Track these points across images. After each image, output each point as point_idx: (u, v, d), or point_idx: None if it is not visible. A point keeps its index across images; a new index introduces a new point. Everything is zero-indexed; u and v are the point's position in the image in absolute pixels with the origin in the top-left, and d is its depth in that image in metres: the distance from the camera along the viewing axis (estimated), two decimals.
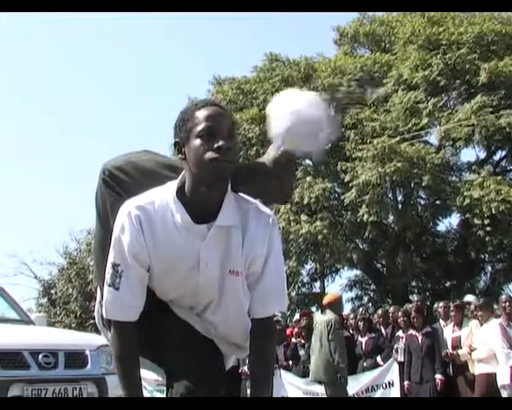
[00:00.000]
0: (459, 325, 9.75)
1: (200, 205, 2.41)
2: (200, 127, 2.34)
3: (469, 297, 11.47)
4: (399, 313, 10.52)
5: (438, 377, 9.35)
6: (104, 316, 2.50)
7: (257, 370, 2.61)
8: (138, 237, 2.38)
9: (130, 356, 2.46)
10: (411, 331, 9.91)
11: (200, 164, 2.34)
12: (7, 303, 8.73)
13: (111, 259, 2.43)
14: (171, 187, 2.45)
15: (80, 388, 6.50)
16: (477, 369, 8.73)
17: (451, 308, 9.98)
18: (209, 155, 2.32)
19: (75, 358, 6.73)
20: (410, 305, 11.44)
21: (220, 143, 2.32)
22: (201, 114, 2.36)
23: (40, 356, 6.44)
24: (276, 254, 2.55)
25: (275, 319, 2.78)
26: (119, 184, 2.54)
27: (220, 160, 2.31)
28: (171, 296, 2.56)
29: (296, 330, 11.98)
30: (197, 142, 2.34)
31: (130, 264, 2.40)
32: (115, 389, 6.33)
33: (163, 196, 2.43)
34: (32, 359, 6.41)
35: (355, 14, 26.22)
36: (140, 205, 2.41)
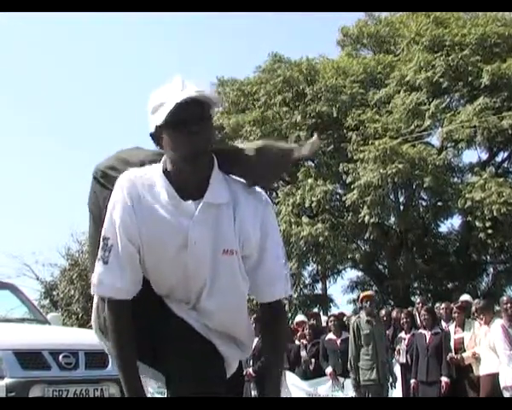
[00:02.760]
0: (461, 326, 9.74)
1: (186, 182, 2.40)
2: (167, 117, 2.30)
3: (465, 297, 11.49)
4: (402, 315, 10.52)
5: (444, 379, 9.34)
6: (92, 292, 2.46)
7: (270, 355, 2.61)
8: (130, 212, 2.37)
9: (124, 335, 2.41)
10: (420, 330, 9.90)
11: (175, 149, 2.35)
12: (20, 302, 8.65)
13: (103, 233, 2.41)
14: (157, 167, 2.46)
15: (102, 388, 6.40)
16: (481, 370, 8.72)
17: (454, 309, 9.97)
18: (182, 139, 2.31)
19: (96, 358, 6.55)
20: (413, 307, 11.44)
21: (192, 127, 2.31)
22: (168, 105, 2.30)
23: (60, 356, 6.34)
24: (273, 234, 2.52)
25: None
26: (111, 181, 2.50)
27: (192, 145, 2.31)
28: (164, 288, 2.47)
29: (300, 331, 11.96)
30: (168, 131, 2.34)
31: (120, 238, 2.37)
32: None
33: (150, 174, 2.44)
34: (52, 359, 6.31)
35: (360, 15, 26.25)
36: (133, 181, 2.41)
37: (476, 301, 10.14)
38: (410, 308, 11.55)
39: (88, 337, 7.62)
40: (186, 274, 2.42)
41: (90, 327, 2.75)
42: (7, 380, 6.03)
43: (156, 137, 2.41)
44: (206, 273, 2.42)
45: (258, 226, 2.47)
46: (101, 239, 2.41)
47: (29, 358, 6.25)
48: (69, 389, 6.16)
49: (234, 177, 2.52)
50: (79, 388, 6.24)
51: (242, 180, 2.53)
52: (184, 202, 2.38)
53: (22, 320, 8.00)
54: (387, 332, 10.75)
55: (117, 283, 2.38)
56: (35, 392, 5.98)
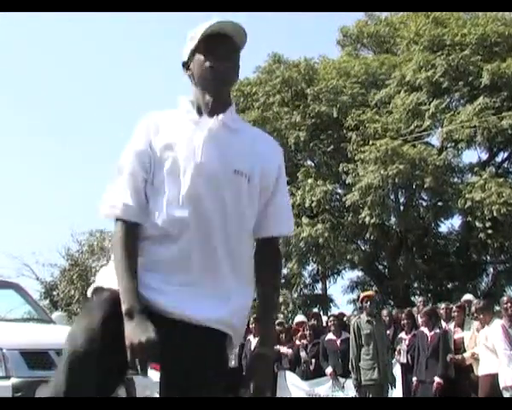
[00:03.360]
0: (461, 325, 9.74)
1: (206, 106, 2.55)
2: (201, 42, 2.52)
3: (468, 296, 11.49)
4: (403, 315, 10.52)
5: (437, 380, 9.34)
6: (102, 214, 2.49)
7: (268, 289, 2.60)
8: (146, 135, 2.51)
9: (132, 249, 2.39)
10: (422, 329, 9.90)
11: (202, 73, 2.53)
12: (25, 301, 8.58)
13: (118, 163, 2.52)
14: (181, 100, 2.65)
15: None
16: (480, 370, 8.72)
17: (453, 309, 9.96)
18: (209, 64, 2.51)
19: None
20: (413, 307, 11.45)
21: (220, 53, 2.51)
22: (204, 30, 2.51)
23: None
24: (284, 176, 2.66)
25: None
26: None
27: (220, 68, 2.51)
28: (175, 215, 2.40)
29: (300, 332, 11.95)
30: (199, 55, 2.55)
31: (132, 162, 2.47)
32: (144, 389, 6.23)
33: (173, 111, 2.62)
34: (58, 359, 6.18)
35: (359, 15, 26.27)
36: (154, 113, 2.60)
37: (476, 301, 10.14)
38: (410, 308, 11.53)
39: None
40: (198, 194, 2.41)
41: None
42: (13, 380, 5.99)
43: (187, 64, 2.61)
44: (216, 191, 2.43)
45: (277, 165, 2.62)
46: (117, 167, 2.51)
47: (35, 358, 6.20)
48: None
49: None
50: None
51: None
52: (202, 118, 2.53)
53: (27, 320, 7.97)
54: (388, 332, 10.75)
55: (128, 202, 2.43)
56: (41, 392, 5.93)
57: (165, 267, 2.40)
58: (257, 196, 2.53)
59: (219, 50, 2.51)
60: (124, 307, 2.28)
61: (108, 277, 2.46)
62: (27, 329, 7.26)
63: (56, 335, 7.02)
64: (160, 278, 2.38)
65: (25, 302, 8.58)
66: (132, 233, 2.42)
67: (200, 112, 2.55)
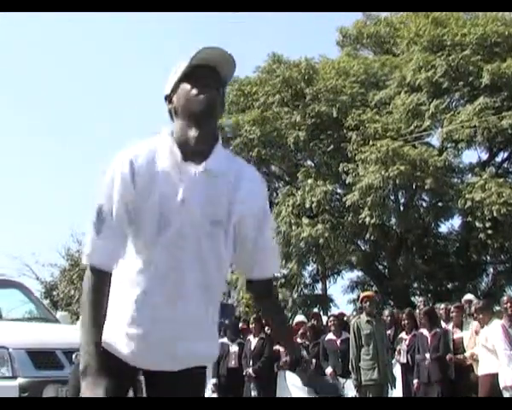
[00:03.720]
0: (459, 326, 9.75)
1: (189, 147, 2.45)
2: (187, 71, 2.43)
3: (469, 296, 11.48)
4: (404, 315, 10.52)
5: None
6: (83, 262, 2.48)
7: (278, 314, 2.90)
8: (127, 179, 2.41)
9: (102, 304, 2.41)
10: (422, 331, 9.89)
11: (187, 102, 2.44)
12: (29, 300, 8.50)
13: (97, 201, 2.44)
14: (163, 132, 2.53)
15: None
16: (480, 370, 8.71)
17: (452, 309, 9.96)
18: (195, 91, 2.42)
19: None
20: (413, 307, 11.44)
21: (205, 82, 2.42)
22: (190, 59, 2.43)
23: (74, 356, 6.21)
24: (269, 216, 2.66)
25: None
26: None
27: (206, 95, 2.42)
28: (151, 252, 2.45)
29: (301, 330, 11.94)
30: (184, 84, 2.45)
31: (115, 207, 2.41)
32: None
33: (153, 141, 2.51)
34: (65, 359, 6.20)
35: (359, 15, 26.26)
36: (133, 151, 2.45)
37: (475, 301, 10.14)
38: (410, 309, 11.52)
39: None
40: (176, 237, 2.43)
41: None
42: (20, 380, 5.93)
43: (170, 97, 2.52)
44: (194, 239, 2.45)
45: (262, 205, 2.61)
46: (96, 208, 2.44)
47: (42, 357, 6.14)
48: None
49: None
50: None
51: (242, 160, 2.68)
52: (185, 164, 2.43)
53: (32, 319, 7.93)
54: (389, 332, 10.75)
55: (108, 252, 2.42)
56: (48, 392, 5.88)
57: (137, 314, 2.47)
58: (231, 243, 2.55)
59: (206, 80, 2.43)
60: (80, 365, 2.35)
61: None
62: (33, 328, 7.18)
63: (63, 334, 6.97)
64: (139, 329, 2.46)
65: (29, 301, 8.52)
66: (104, 282, 2.42)
67: (183, 150, 2.45)
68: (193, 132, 2.43)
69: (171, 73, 2.51)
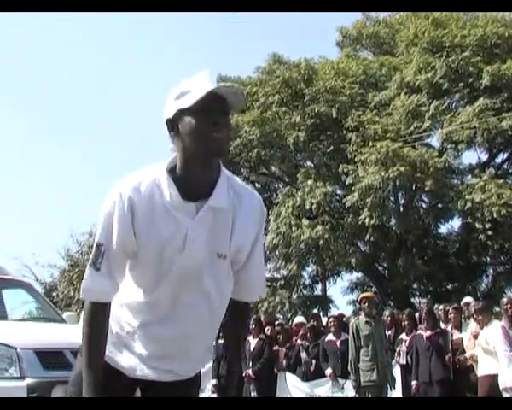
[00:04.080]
0: (458, 327, 9.75)
1: (192, 184, 2.38)
2: (196, 103, 2.26)
3: (468, 299, 11.47)
4: (404, 316, 10.51)
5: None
6: (81, 297, 2.49)
7: (234, 351, 2.81)
8: (127, 220, 2.36)
9: (100, 337, 2.46)
10: (420, 331, 9.89)
11: (195, 138, 2.30)
12: (36, 300, 8.42)
13: (96, 238, 2.44)
14: (162, 166, 2.42)
15: None
16: (479, 371, 8.71)
17: (450, 311, 9.96)
18: (205, 129, 2.28)
19: None
20: (413, 308, 11.44)
21: (217, 119, 2.29)
22: (198, 90, 2.27)
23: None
24: (261, 240, 2.62)
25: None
26: None
27: (217, 135, 2.29)
28: (153, 290, 2.48)
29: (301, 332, 11.93)
30: (192, 117, 2.29)
31: (114, 245, 2.39)
32: None
33: (153, 175, 2.40)
34: (73, 359, 5.87)
35: (358, 16, 26.26)
36: (132, 186, 2.38)
37: (473, 302, 10.15)
38: (411, 309, 11.52)
39: None
40: (180, 276, 2.44)
41: None
42: (28, 380, 5.86)
43: (173, 124, 2.37)
44: (199, 274, 2.45)
45: (255, 234, 2.55)
46: (95, 244, 2.43)
47: (50, 357, 6.07)
48: None
49: (235, 177, 2.56)
50: None
51: (243, 184, 2.59)
52: (186, 204, 2.36)
53: (39, 319, 7.83)
54: (389, 333, 10.75)
55: (106, 289, 2.44)
56: (57, 393, 5.78)
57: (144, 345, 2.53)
58: (230, 269, 2.55)
59: (216, 116, 2.29)
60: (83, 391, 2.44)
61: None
62: (41, 328, 7.10)
63: (71, 334, 6.78)
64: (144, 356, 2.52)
65: (35, 301, 8.44)
66: (102, 313, 2.46)
67: (184, 187, 2.36)
68: (197, 172, 2.37)
69: (173, 96, 2.37)
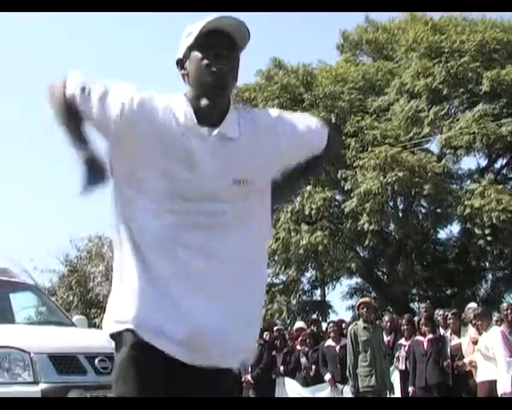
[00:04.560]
0: (457, 332, 9.74)
1: (204, 112, 2.36)
2: (198, 37, 2.33)
3: (472, 305, 11.44)
4: (404, 321, 10.50)
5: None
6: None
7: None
8: (133, 105, 2.33)
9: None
10: (418, 337, 9.88)
11: (198, 72, 2.35)
12: (43, 304, 8.31)
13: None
14: (179, 94, 2.44)
15: None
16: (478, 377, 8.71)
17: (449, 316, 9.96)
18: (206, 62, 2.32)
19: None
20: (411, 313, 11.42)
21: (219, 51, 2.33)
22: (202, 26, 2.32)
23: (96, 360, 6.05)
24: (285, 119, 2.53)
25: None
26: None
27: (218, 68, 2.32)
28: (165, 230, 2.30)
29: (301, 337, 11.94)
30: (196, 52, 2.35)
31: (100, 102, 2.37)
32: None
33: (170, 97, 2.41)
34: (87, 363, 6.02)
35: (360, 21, 26.31)
36: (151, 94, 2.39)
37: (470, 308, 10.17)
38: (410, 314, 11.52)
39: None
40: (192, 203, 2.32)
41: None
42: (42, 386, 5.75)
43: (183, 63, 2.42)
44: (209, 203, 2.32)
45: (281, 131, 2.47)
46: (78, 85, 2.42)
47: (64, 362, 5.95)
48: (107, 394, 5.69)
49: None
50: None
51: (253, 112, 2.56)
52: (200, 127, 2.34)
53: (49, 323, 7.69)
54: (388, 338, 10.74)
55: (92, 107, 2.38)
56: None
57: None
58: (268, 194, 2.46)
59: (218, 48, 2.32)
60: None
61: (121, 309, 2.37)
62: (53, 332, 6.98)
63: (84, 339, 6.82)
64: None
65: (43, 305, 8.32)
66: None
67: (197, 115, 2.34)
68: (204, 102, 2.36)
69: (183, 37, 2.42)
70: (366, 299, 11.32)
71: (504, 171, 23.55)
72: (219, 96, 2.38)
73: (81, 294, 27.47)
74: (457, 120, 20.84)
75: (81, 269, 28.71)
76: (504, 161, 23.34)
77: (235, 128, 2.38)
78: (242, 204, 2.35)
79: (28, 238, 45.44)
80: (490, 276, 23.50)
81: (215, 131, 2.33)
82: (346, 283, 24.81)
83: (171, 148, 2.30)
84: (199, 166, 2.30)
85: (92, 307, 26.32)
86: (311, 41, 44.17)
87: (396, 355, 10.20)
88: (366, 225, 19.78)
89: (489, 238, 18.88)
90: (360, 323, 9.71)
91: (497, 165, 23.52)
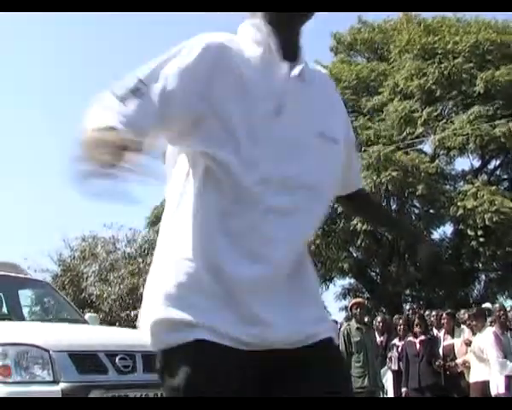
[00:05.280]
0: (450, 333, 9.73)
1: (283, 44, 1.88)
2: None
3: (487, 305, 11.45)
4: (400, 321, 10.47)
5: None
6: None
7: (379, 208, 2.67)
8: (207, 70, 1.78)
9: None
10: (410, 338, 9.86)
11: None
12: (56, 301, 8.16)
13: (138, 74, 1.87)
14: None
15: (162, 394, 5.77)
16: (471, 377, 8.70)
17: (443, 316, 9.94)
18: None
19: (153, 361, 5.74)
20: (409, 313, 11.41)
21: None
22: None
23: (117, 359, 5.78)
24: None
25: None
26: None
27: None
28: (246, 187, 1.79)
29: None
30: None
31: (179, 78, 1.77)
32: None
33: (232, 37, 1.90)
34: (108, 361, 5.77)
35: (353, 22, 26.31)
36: (220, 42, 1.83)
37: (463, 311, 10.17)
38: (406, 315, 11.51)
39: (143, 338, 7.07)
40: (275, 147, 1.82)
41: None
42: (62, 385, 5.48)
43: None
44: (297, 153, 1.85)
45: (345, 112, 2.16)
46: (134, 80, 1.88)
47: (85, 360, 5.71)
48: (128, 394, 5.57)
49: None
50: (139, 393, 5.63)
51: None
52: (281, 61, 1.86)
53: (64, 320, 7.47)
54: (381, 339, 10.71)
55: (139, 120, 1.78)
56: None
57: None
58: (340, 162, 2.01)
59: None
60: None
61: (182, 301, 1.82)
62: (72, 329, 6.75)
63: (103, 336, 6.58)
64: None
65: (56, 301, 8.17)
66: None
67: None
68: (280, 31, 1.89)
69: None
70: (359, 299, 11.29)
71: (498, 172, 23.61)
72: (295, 19, 1.95)
73: (74, 294, 27.35)
74: (452, 121, 20.86)
75: (74, 269, 28.64)
76: (498, 162, 23.40)
77: (307, 71, 1.92)
78: (324, 167, 1.95)
79: (21, 238, 45.33)
80: (483, 277, 23.54)
81: (299, 67, 1.87)
82: (339, 283, 24.84)
83: (253, 90, 1.82)
84: (283, 113, 1.82)
85: (85, 307, 26.22)
86: (306, 42, 44.14)
87: (388, 356, 10.17)
88: (359, 225, 19.77)
89: (482, 239, 18.92)
90: (353, 323, 9.68)
91: (491, 166, 23.60)
